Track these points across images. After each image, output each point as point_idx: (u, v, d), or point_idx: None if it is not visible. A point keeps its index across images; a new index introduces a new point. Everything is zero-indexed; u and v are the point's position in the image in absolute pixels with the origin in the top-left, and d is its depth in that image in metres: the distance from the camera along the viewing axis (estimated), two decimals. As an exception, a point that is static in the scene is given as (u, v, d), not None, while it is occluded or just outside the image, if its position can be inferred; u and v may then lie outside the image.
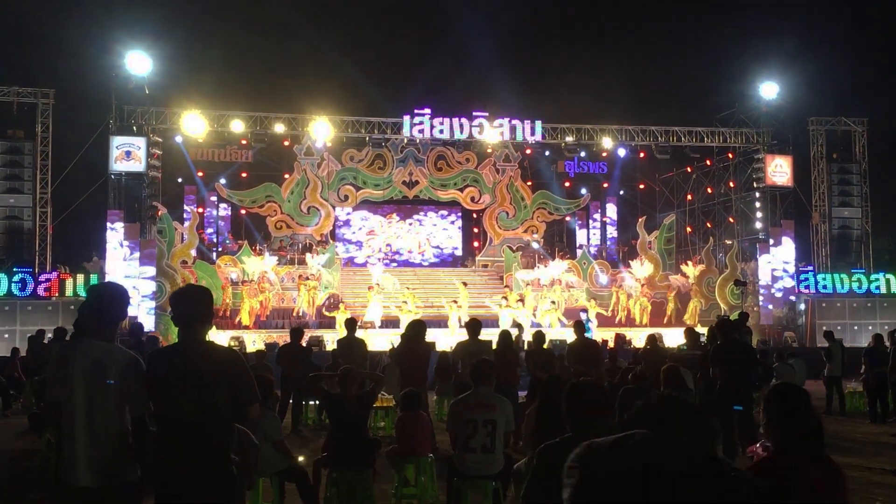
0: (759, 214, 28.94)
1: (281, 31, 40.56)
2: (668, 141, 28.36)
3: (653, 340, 12.97)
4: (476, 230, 34.25)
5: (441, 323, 24.94)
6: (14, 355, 17.62)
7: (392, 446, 7.76)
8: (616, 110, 31.47)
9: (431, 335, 11.59)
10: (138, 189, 25.34)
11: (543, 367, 11.18)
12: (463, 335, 12.04)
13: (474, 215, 33.93)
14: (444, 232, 33.95)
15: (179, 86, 27.56)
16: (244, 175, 31.39)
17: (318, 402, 13.07)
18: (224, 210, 33.12)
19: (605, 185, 34.63)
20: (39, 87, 25.74)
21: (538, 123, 27.63)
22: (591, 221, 36.38)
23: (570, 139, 28.01)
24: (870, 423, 14.62)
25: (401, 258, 33.05)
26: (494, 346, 11.13)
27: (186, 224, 28.42)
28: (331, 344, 20.24)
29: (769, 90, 28.08)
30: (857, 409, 16.12)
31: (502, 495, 6.67)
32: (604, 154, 30.25)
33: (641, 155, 29.72)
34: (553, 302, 27.33)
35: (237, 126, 25.91)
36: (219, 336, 22.54)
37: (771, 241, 28.27)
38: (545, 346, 13.37)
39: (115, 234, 24.50)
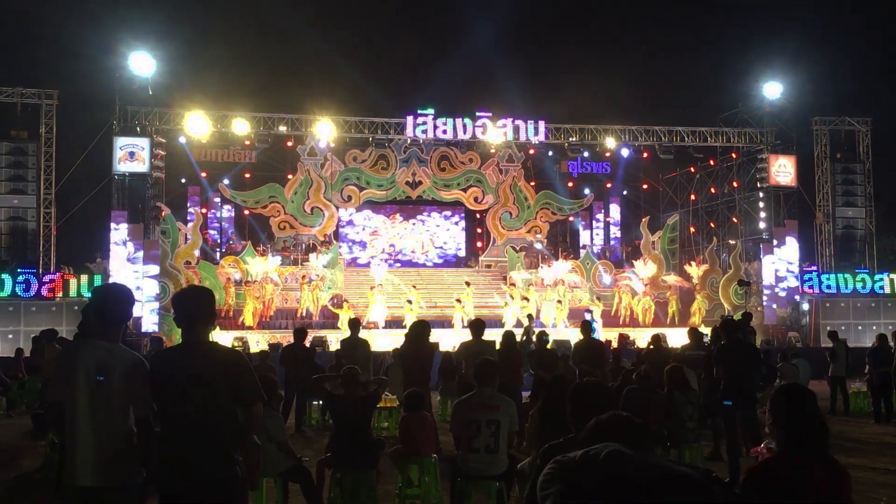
0: (762, 214, 28.91)
1: (284, 32, 40.60)
2: (672, 141, 28.34)
3: (657, 340, 12.98)
4: (479, 230, 34.23)
5: (445, 323, 24.96)
6: (18, 356, 17.66)
7: (395, 447, 7.77)
8: (619, 110, 31.48)
9: (435, 335, 11.58)
10: (142, 190, 25.36)
11: (547, 368, 11.19)
12: (466, 335, 12.05)
13: (477, 215, 33.90)
14: (447, 232, 33.94)
15: (183, 87, 27.62)
16: (247, 176, 31.39)
17: (321, 403, 13.08)
18: (228, 212, 33.13)
19: (609, 185, 34.58)
20: (43, 88, 25.76)
21: (541, 123, 27.62)
22: (594, 222, 36.35)
23: (573, 139, 28.01)
24: (874, 424, 14.60)
25: (404, 258, 33.04)
26: (498, 347, 11.13)
27: (190, 225, 28.48)
28: (334, 344, 20.25)
29: (773, 90, 28.06)
30: (862, 410, 16.10)
31: (506, 496, 6.67)
32: (607, 154, 30.22)
33: (645, 155, 29.72)
34: (559, 301, 27.32)
35: (240, 126, 25.93)
36: (222, 337, 22.56)
37: (775, 241, 28.24)
38: (549, 346, 13.38)
39: (119, 234, 24.53)
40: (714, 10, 47.08)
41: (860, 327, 27.21)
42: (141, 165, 24.67)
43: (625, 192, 35.37)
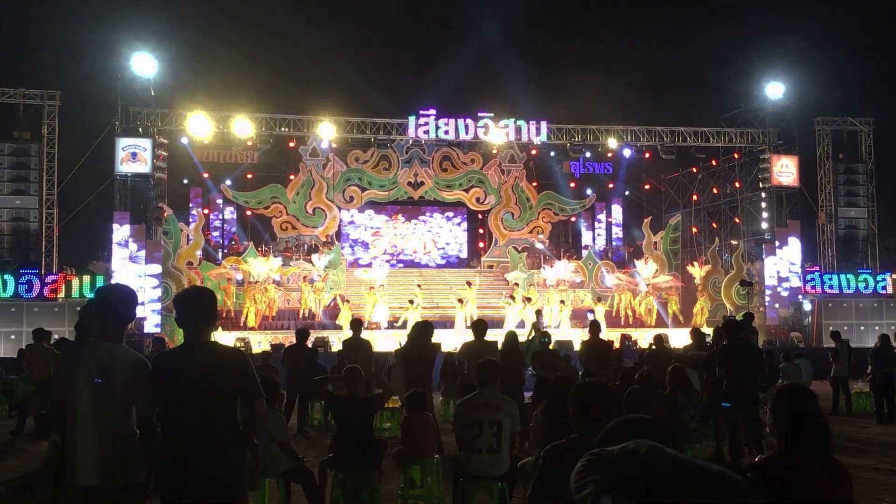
0: (764, 215, 28.89)
1: (286, 33, 40.63)
2: (674, 141, 28.33)
3: (659, 341, 12.97)
4: (481, 231, 34.24)
5: (447, 324, 24.95)
6: (20, 357, 17.66)
7: (398, 447, 7.77)
8: (621, 110, 31.51)
9: (437, 336, 11.58)
10: (144, 190, 25.36)
11: (549, 368, 11.19)
12: (468, 336, 12.04)
13: (479, 216, 33.92)
14: (449, 233, 33.94)
15: (185, 87, 27.66)
16: (250, 176, 31.41)
17: (323, 403, 13.09)
18: (230, 214, 33.13)
19: (611, 185, 34.60)
20: (46, 88, 25.76)
21: (543, 124, 27.61)
22: (596, 222, 36.34)
23: (575, 140, 28.00)
24: (877, 424, 14.59)
25: (406, 258, 33.04)
26: (500, 347, 11.13)
27: (192, 225, 28.49)
28: (337, 345, 20.25)
29: (775, 90, 28.03)
30: (864, 410, 16.08)
31: (508, 496, 6.66)
32: (609, 154, 30.20)
33: (647, 155, 29.70)
34: (562, 302, 27.32)
35: (243, 127, 25.92)
36: (224, 337, 22.56)
37: (777, 242, 28.21)
38: (551, 346, 13.37)
39: (121, 235, 24.53)
40: (716, 10, 47.08)
41: (863, 328, 27.19)
42: (143, 166, 24.68)
43: (627, 193, 35.37)
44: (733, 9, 46.87)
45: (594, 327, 12.53)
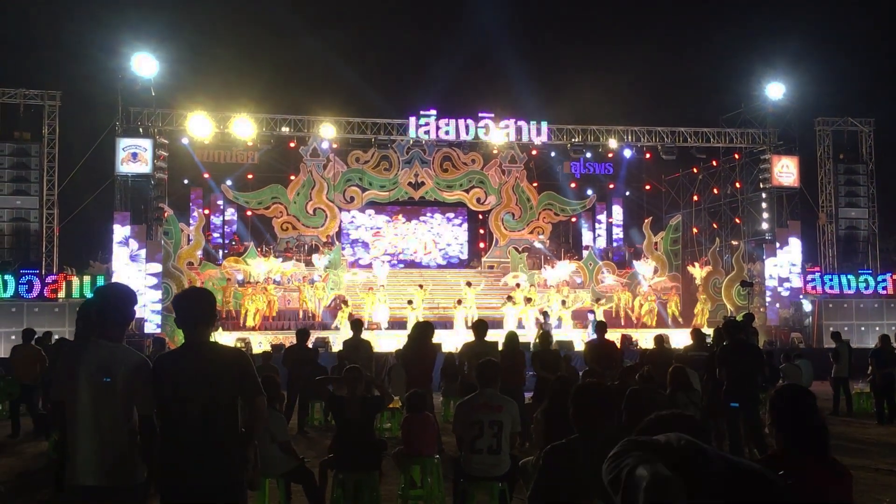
0: (765, 215, 28.88)
1: (286, 33, 40.62)
2: (675, 141, 28.33)
3: (660, 341, 12.96)
4: (482, 231, 34.24)
5: (447, 324, 24.96)
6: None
7: (398, 447, 7.77)
8: (622, 111, 31.41)
9: (437, 336, 11.57)
10: (145, 191, 25.35)
11: (550, 368, 11.18)
12: (468, 336, 12.04)
13: (480, 216, 33.92)
14: (449, 233, 33.94)
15: (185, 88, 27.62)
16: (250, 177, 31.40)
17: (324, 404, 13.08)
18: (231, 215, 33.12)
19: (611, 185, 34.59)
20: (46, 89, 25.76)
21: (544, 124, 27.59)
22: (596, 223, 36.32)
23: (576, 140, 27.99)
24: (877, 424, 14.59)
25: (405, 258, 33.03)
26: (500, 348, 11.12)
27: (192, 226, 28.49)
28: (337, 345, 20.25)
29: (775, 90, 28.02)
30: (865, 410, 16.09)
31: (508, 496, 6.66)
32: (610, 155, 30.21)
33: (647, 156, 29.68)
34: (563, 302, 27.31)
35: (243, 128, 25.92)
36: (225, 338, 22.56)
37: (777, 242, 28.20)
38: (552, 346, 13.36)
39: (122, 235, 24.53)
40: (717, 10, 47.08)
41: (863, 328, 27.19)
42: (143, 166, 24.67)
43: (627, 193, 35.34)
44: (734, 9, 46.86)
45: (601, 328, 12.53)
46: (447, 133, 27.32)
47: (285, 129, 26.70)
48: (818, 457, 3.52)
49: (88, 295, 22.56)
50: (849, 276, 28.17)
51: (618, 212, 35.96)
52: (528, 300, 26.86)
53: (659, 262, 30.40)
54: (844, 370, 16.19)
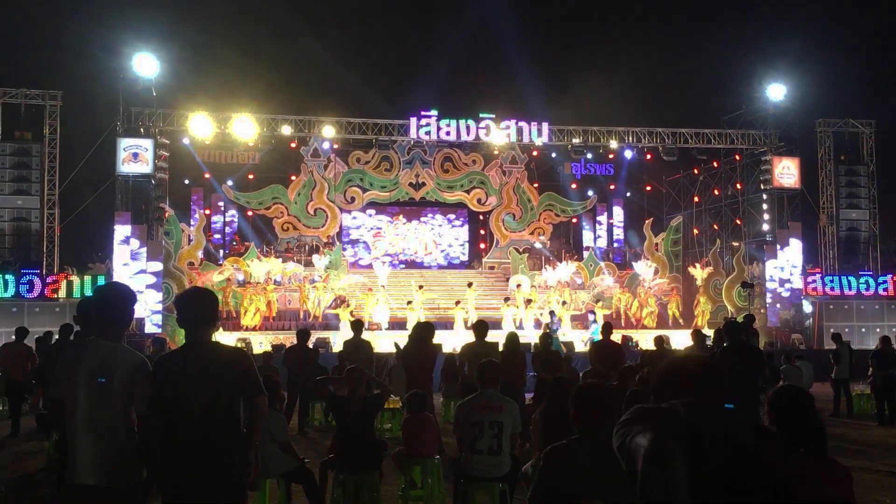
0: (766, 216, 28.87)
1: (288, 34, 40.62)
2: (675, 142, 28.33)
3: (660, 342, 12.97)
4: (482, 232, 34.25)
5: (448, 325, 24.96)
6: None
7: (398, 448, 7.77)
8: (623, 112, 31.36)
9: (438, 337, 11.57)
10: (145, 191, 25.35)
11: (550, 369, 11.18)
12: (468, 336, 12.04)
13: (481, 217, 33.94)
14: (450, 234, 33.95)
15: (186, 88, 27.60)
16: (251, 177, 31.42)
17: (324, 404, 13.09)
18: (231, 216, 33.12)
19: (612, 186, 34.59)
20: (47, 89, 25.76)
21: (545, 125, 27.58)
22: (597, 224, 36.32)
23: (576, 141, 27.99)
24: (877, 426, 14.60)
25: (405, 258, 33.04)
26: (501, 348, 11.12)
27: (193, 226, 28.50)
28: (338, 345, 20.25)
29: (776, 92, 28.00)
30: (865, 412, 16.08)
31: (509, 497, 6.66)
32: (610, 156, 30.22)
33: (648, 157, 29.65)
34: (564, 303, 27.30)
35: (244, 128, 25.91)
36: (225, 338, 22.56)
37: (778, 243, 28.19)
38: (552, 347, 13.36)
39: (122, 235, 24.52)
40: (718, 11, 47.06)
41: (864, 329, 27.17)
42: (144, 166, 24.67)
43: (628, 194, 35.33)
44: (735, 10, 46.85)
45: (606, 328, 12.55)
46: (448, 134, 27.31)
47: (286, 130, 26.67)
48: (816, 457, 3.53)
49: (89, 294, 22.57)
50: (849, 278, 28.16)
51: (618, 213, 35.96)
52: (528, 302, 26.86)
53: (659, 264, 30.40)
54: (845, 371, 16.19)
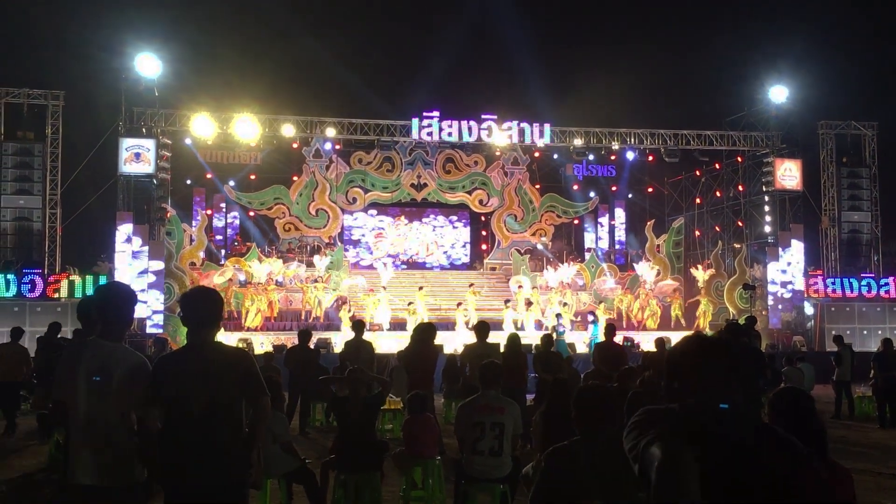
0: (768, 218, 28.85)
1: (290, 34, 40.64)
2: (677, 144, 28.31)
3: (661, 344, 12.97)
4: (484, 233, 34.25)
5: (449, 326, 24.95)
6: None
7: (399, 449, 7.77)
8: (625, 113, 31.36)
9: (439, 338, 11.58)
10: (147, 191, 25.37)
11: (550, 370, 11.19)
12: (470, 338, 12.04)
13: (482, 218, 33.95)
14: (452, 235, 33.95)
15: (188, 88, 27.58)
16: (253, 177, 31.45)
17: (325, 405, 13.10)
18: (233, 217, 33.13)
19: (614, 188, 34.59)
20: (49, 89, 25.81)
21: (547, 126, 27.56)
22: (598, 225, 36.31)
23: (578, 142, 27.98)
24: (879, 428, 14.58)
25: (409, 259, 33.04)
26: (502, 350, 11.12)
27: (195, 226, 28.50)
28: (339, 346, 20.25)
29: (779, 93, 27.98)
30: (867, 414, 16.07)
31: (510, 498, 6.66)
32: (612, 157, 30.22)
33: (650, 158, 29.60)
34: (565, 304, 27.28)
35: (246, 128, 25.91)
36: (227, 338, 22.55)
37: (780, 245, 28.17)
38: (553, 348, 13.37)
39: (124, 235, 24.54)
40: (720, 13, 47.07)
41: (865, 331, 27.15)
42: (146, 166, 24.67)
43: (630, 196, 35.32)
44: (737, 12, 46.84)
45: (609, 330, 12.56)
46: (450, 134, 27.30)
47: (288, 130, 26.67)
48: (818, 460, 3.53)
49: (90, 294, 22.57)
50: (851, 280, 28.15)
51: (620, 214, 35.94)
52: (529, 304, 26.86)
53: (661, 265, 30.37)
54: (846, 374, 16.17)
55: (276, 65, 35.15)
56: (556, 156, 31.06)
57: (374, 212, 33.20)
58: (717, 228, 32.04)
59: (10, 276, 23.91)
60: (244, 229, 32.41)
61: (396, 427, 12.24)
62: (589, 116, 28.95)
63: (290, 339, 21.33)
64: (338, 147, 29.64)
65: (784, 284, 27.93)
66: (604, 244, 35.47)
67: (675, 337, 23.38)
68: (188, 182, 31.08)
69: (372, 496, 7.17)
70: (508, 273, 31.09)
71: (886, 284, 28.12)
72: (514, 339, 11.62)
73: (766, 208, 28.94)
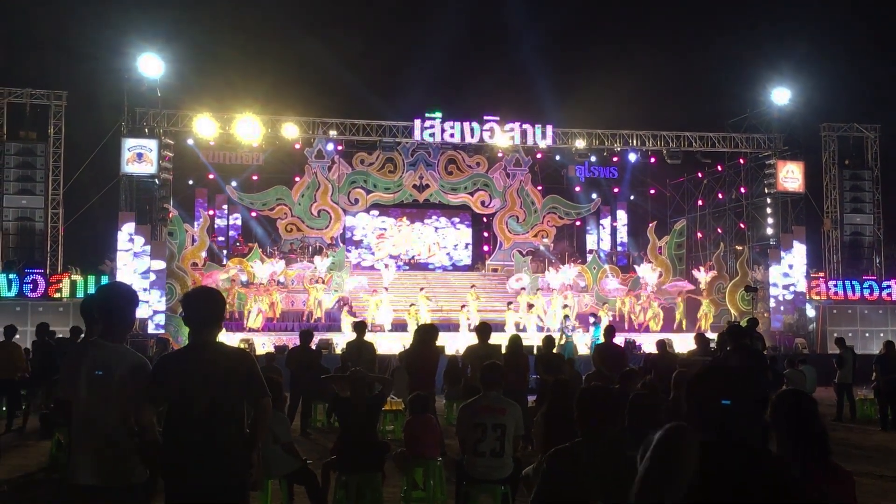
0: (770, 220, 28.83)
1: (292, 35, 40.67)
2: (680, 146, 28.29)
3: (662, 346, 12.97)
4: (486, 234, 34.25)
5: (451, 327, 24.95)
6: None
7: (400, 449, 7.77)
8: (627, 115, 31.34)
9: (441, 339, 11.58)
10: (150, 191, 25.41)
11: (552, 371, 11.19)
12: (472, 339, 12.04)
13: (484, 219, 33.96)
14: (454, 236, 33.95)
15: (191, 89, 27.60)
16: (255, 178, 31.49)
17: (327, 405, 13.10)
18: (234, 219, 33.15)
19: (616, 189, 34.60)
20: (52, 89, 25.83)
21: (549, 128, 27.55)
22: (600, 227, 36.32)
23: (580, 144, 27.96)
24: (881, 431, 14.56)
25: (410, 260, 33.04)
26: (504, 351, 11.12)
27: (197, 226, 28.52)
28: (340, 347, 20.24)
29: (781, 96, 27.96)
30: (868, 417, 16.04)
31: (511, 499, 6.66)
32: (614, 159, 30.21)
33: (652, 160, 29.56)
34: (566, 306, 27.26)
35: (248, 129, 25.92)
36: (228, 339, 22.55)
37: (782, 248, 28.16)
38: (555, 350, 13.37)
39: (126, 235, 24.56)
40: (723, 15, 47.00)
41: (867, 334, 27.13)
42: (149, 167, 24.69)
43: (632, 197, 35.33)
44: (740, 14, 46.79)
45: (609, 331, 12.56)
46: (452, 136, 27.28)
47: (290, 131, 26.67)
48: (818, 461, 3.54)
49: (93, 293, 22.56)
50: (853, 282, 28.12)
51: (622, 216, 35.94)
52: (531, 306, 26.85)
53: (663, 267, 30.33)
54: (848, 376, 16.16)
55: (279, 66, 35.17)
56: (558, 157, 31.04)
57: (375, 212, 33.22)
58: (719, 230, 32.03)
59: (13, 276, 23.93)
60: (246, 230, 32.44)
61: (398, 428, 12.24)
62: (591, 118, 28.96)
63: (292, 339, 21.35)
64: (340, 148, 29.66)
65: (786, 286, 27.92)
66: (605, 246, 35.47)
67: (677, 339, 23.46)
68: (190, 182, 31.12)
69: (373, 497, 7.17)
70: (510, 274, 31.09)
71: (888, 287, 28.09)
72: (515, 341, 11.62)
73: (769, 210, 28.92)
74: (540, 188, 33.68)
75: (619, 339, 23.50)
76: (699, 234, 33.05)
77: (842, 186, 29.56)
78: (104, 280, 23.77)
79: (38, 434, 12.87)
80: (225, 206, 32.69)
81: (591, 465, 3.86)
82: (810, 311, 28.21)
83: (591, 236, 36.20)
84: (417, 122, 27.03)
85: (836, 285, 28.11)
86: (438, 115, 27.21)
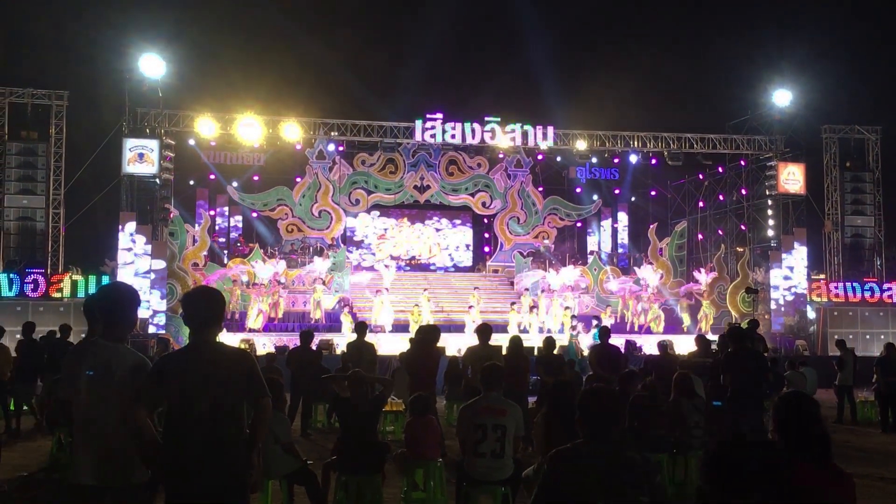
0: (771, 222, 28.81)
1: (293, 35, 40.68)
2: (681, 147, 28.29)
3: (663, 348, 12.96)
4: (487, 235, 34.26)
5: (451, 328, 24.93)
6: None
7: (401, 450, 7.76)
8: (628, 116, 31.34)
9: (443, 340, 11.57)
10: (151, 191, 25.42)
11: (552, 373, 11.19)
12: (473, 340, 12.03)
13: (485, 220, 33.97)
14: (455, 237, 33.96)
15: (192, 89, 27.62)
16: (256, 178, 31.51)
17: (327, 406, 13.10)
18: (235, 219, 33.15)
19: (617, 191, 34.61)
20: (53, 89, 25.85)
21: (550, 129, 27.56)
22: (601, 229, 36.32)
23: (582, 145, 27.95)
24: (881, 433, 14.54)
25: (411, 261, 33.05)
26: (504, 352, 11.12)
27: (198, 227, 28.52)
28: (341, 347, 20.23)
29: (782, 97, 27.95)
30: (869, 419, 16.03)
31: (511, 500, 6.66)
32: (615, 160, 30.21)
33: (653, 161, 29.59)
34: (567, 307, 27.25)
35: (249, 130, 25.93)
36: (229, 339, 22.54)
37: (783, 249, 28.15)
38: (555, 351, 13.37)
39: (127, 235, 24.57)
40: (724, 17, 47.00)
41: (868, 336, 27.12)
42: (150, 167, 24.70)
43: (633, 199, 35.36)
44: (741, 16, 46.80)
45: (604, 332, 12.55)
46: (453, 137, 27.28)
47: (292, 132, 26.67)
48: (819, 463, 3.54)
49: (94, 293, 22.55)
50: (854, 284, 28.12)
51: (623, 217, 35.95)
52: (533, 307, 26.84)
53: (664, 268, 30.33)
54: (849, 378, 16.14)
55: (280, 66, 35.22)
56: (559, 158, 31.04)
57: (376, 213, 33.23)
58: (720, 232, 32.02)
59: (13, 276, 23.95)
60: (247, 230, 32.45)
61: (398, 429, 12.24)
62: (592, 119, 28.99)
63: (293, 340, 21.33)
64: (341, 149, 29.68)
65: (787, 288, 27.91)
66: (606, 247, 35.47)
67: (678, 340, 23.45)
68: (191, 183, 31.15)
69: (373, 498, 7.17)
70: (511, 276, 31.10)
71: (889, 289, 28.09)
72: (515, 342, 11.62)
73: (770, 212, 28.90)
74: (541, 189, 33.69)
75: (619, 341, 23.67)
76: (700, 236, 33.05)
77: (843, 188, 29.57)
78: (105, 280, 23.78)
79: (35, 434, 12.86)
80: (226, 207, 32.71)
81: (592, 466, 3.86)
82: (811, 313, 28.21)
83: (592, 238, 36.23)
84: (418, 123, 27.04)
85: (836, 287, 28.11)
86: (439, 115, 27.13)
